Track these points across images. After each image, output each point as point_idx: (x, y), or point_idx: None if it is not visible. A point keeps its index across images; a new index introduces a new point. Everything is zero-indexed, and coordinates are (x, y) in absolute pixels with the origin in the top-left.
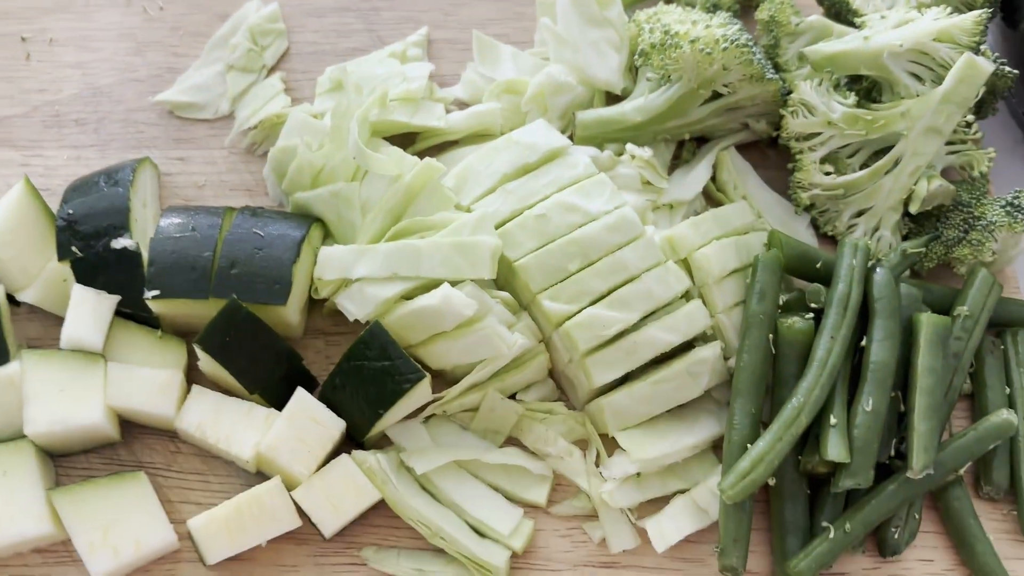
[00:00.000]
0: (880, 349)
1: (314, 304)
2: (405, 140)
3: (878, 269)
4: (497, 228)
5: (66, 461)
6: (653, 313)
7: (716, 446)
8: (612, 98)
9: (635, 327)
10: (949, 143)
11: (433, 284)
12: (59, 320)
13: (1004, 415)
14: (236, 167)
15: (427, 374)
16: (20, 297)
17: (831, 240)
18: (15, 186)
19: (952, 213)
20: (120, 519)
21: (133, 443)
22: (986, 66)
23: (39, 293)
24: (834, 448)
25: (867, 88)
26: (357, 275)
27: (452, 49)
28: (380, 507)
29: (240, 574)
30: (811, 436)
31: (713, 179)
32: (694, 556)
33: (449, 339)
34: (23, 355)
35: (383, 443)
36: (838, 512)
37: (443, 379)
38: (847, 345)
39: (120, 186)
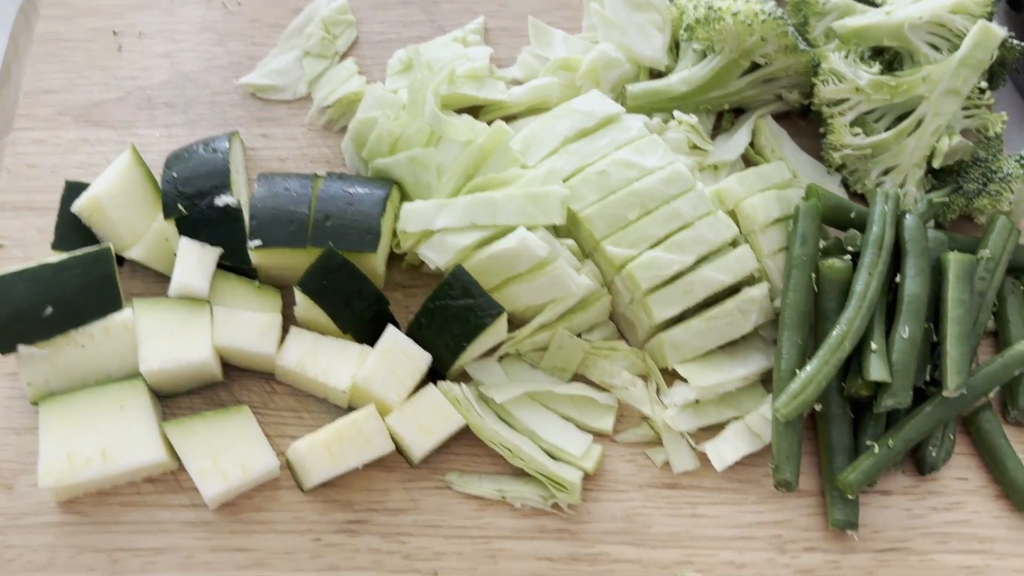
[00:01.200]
0: (913, 284)
1: (392, 261)
2: (471, 114)
3: (908, 215)
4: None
5: (171, 401)
6: (706, 257)
7: (764, 380)
8: (655, 76)
9: (690, 269)
10: (965, 108)
11: (506, 232)
12: (160, 277)
13: None
14: (315, 142)
15: (505, 309)
16: (127, 255)
17: (861, 199)
18: (123, 154)
19: (971, 168)
20: (227, 447)
21: (232, 385)
22: (998, 31)
23: (144, 251)
24: (876, 369)
25: (889, 60)
26: (438, 226)
27: (506, 36)
28: (461, 436)
29: (335, 499)
30: (853, 365)
31: (751, 144)
32: (749, 477)
33: (523, 281)
34: (135, 303)
35: (463, 381)
36: (880, 433)
37: (514, 323)
38: (883, 280)
39: (219, 152)
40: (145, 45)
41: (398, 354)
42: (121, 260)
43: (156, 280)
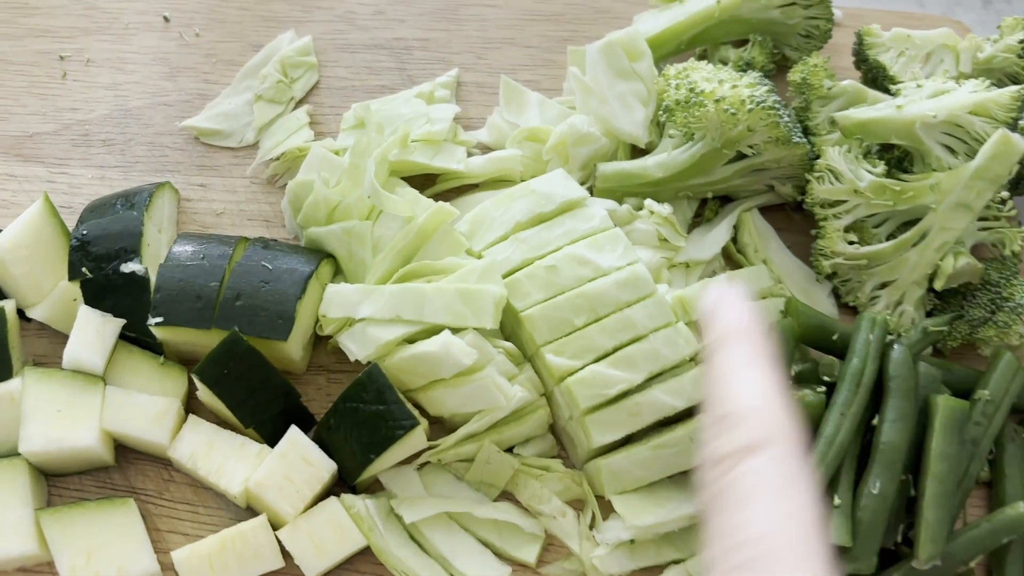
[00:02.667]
0: (892, 430)
1: (320, 340)
2: (426, 181)
3: (896, 346)
4: (506, 277)
5: (60, 481)
6: (659, 375)
7: None
8: (636, 151)
9: (639, 388)
10: (981, 219)
11: (436, 329)
12: (66, 338)
13: (1021, 508)
14: (256, 197)
15: (422, 422)
16: (30, 314)
17: (852, 310)
18: (34, 203)
19: (979, 292)
20: (105, 545)
21: (127, 468)
22: (1021, 143)
23: (49, 311)
24: (836, 531)
25: (898, 157)
26: (361, 315)
27: (481, 92)
28: (367, 554)
29: None
30: None
31: (734, 240)
32: None
33: (448, 387)
34: (26, 372)
35: (375, 487)
36: None
37: (441, 426)
38: (857, 423)
39: (135, 209)
40: (91, 74)
41: (298, 459)
42: (28, 318)
43: (64, 341)
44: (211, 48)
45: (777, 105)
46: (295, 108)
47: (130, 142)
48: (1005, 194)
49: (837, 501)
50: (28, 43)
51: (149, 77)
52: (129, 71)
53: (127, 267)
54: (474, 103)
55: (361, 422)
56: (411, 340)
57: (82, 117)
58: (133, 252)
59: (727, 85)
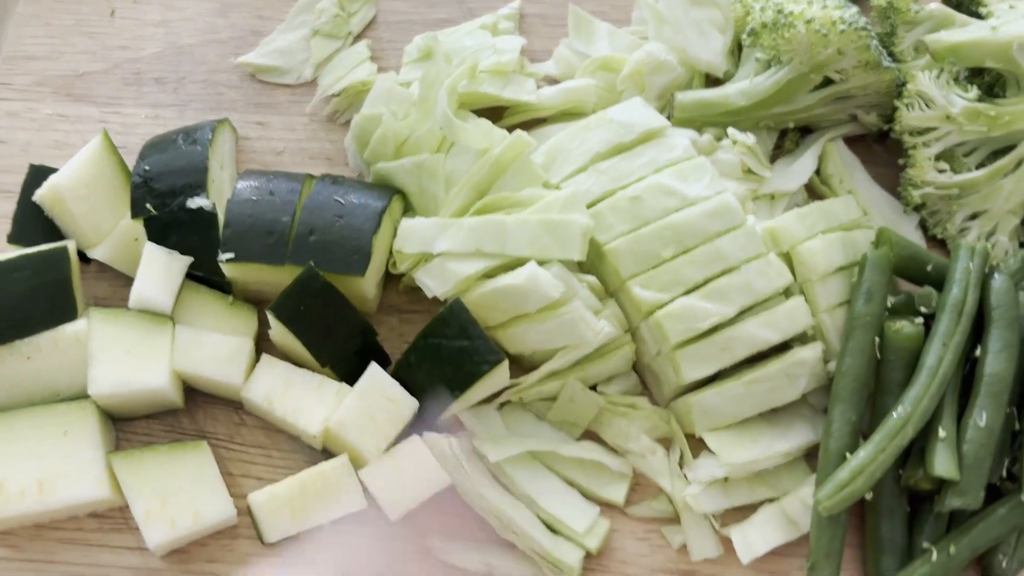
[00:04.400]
0: (996, 361)
1: (390, 280)
2: (493, 115)
3: (996, 275)
4: (587, 208)
5: (127, 425)
6: (751, 308)
7: (809, 455)
8: (711, 82)
9: (731, 322)
10: None
11: (518, 263)
12: (128, 280)
13: None
14: (317, 135)
15: (506, 358)
16: (91, 254)
17: (940, 243)
18: (92, 140)
19: None
20: (179, 489)
21: (196, 411)
22: None
23: (110, 251)
24: (942, 463)
25: (989, 83)
26: (439, 250)
27: (544, 24)
28: (449, 494)
29: (300, 555)
30: (915, 450)
31: (817, 172)
32: (780, 570)
33: (531, 322)
34: (91, 313)
35: (455, 428)
36: (940, 533)
37: (521, 365)
38: (960, 354)
39: (199, 145)
40: (140, 11)
41: (380, 398)
42: (88, 258)
43: (126, 283)
44: None
45: (867, 27)
46: (353, 43)
47: (183, 80)
48: None
49: (942, 434)
50: None
51: (200, 13)
52: (179, 8)
53: (193, 202)
54: (538, 35)
55: (444, 358)
56: (491, 275)
57: (133, 55)
58: (199, 187)
59: (816, 6)
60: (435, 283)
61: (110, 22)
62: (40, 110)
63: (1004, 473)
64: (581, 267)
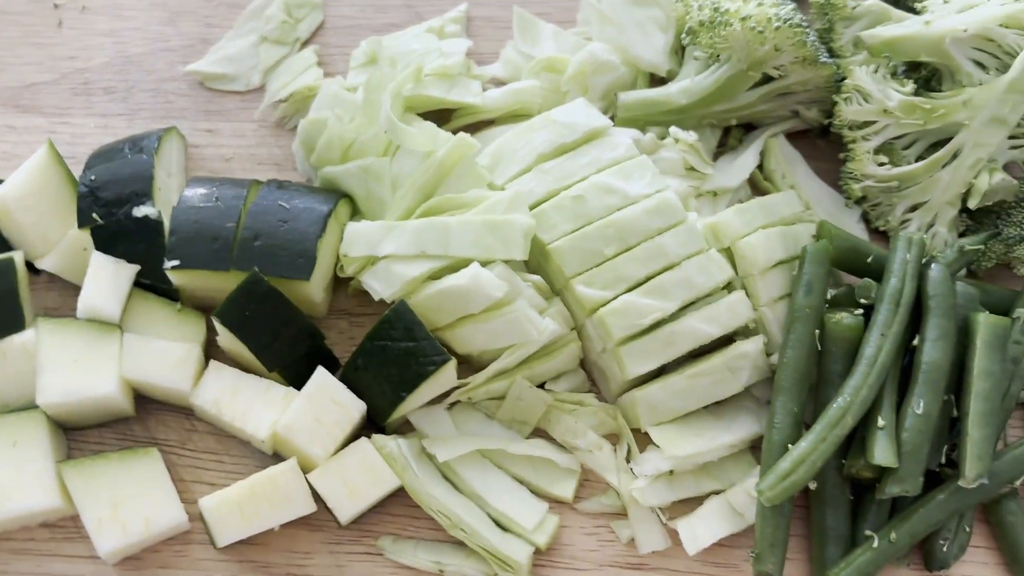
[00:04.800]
0: (933, 349)
1: (339, 283)
2: (440, 118)
3: (933, 265)
4: (531, 209)
5: (78, 435)
6: (693, 303)
7: (754, 446)
8: (655, 81)
9: (673, 317)
10: (1012, 137)
11: (462, 264)
12: (77, 290)
13: None
14: (265, 140)
15: (453, 357)
16: (39, 264)
17: (882, 235)
18: (38, 151)
19: (1014, 210)
20: (131, 496)
21: (148, 419)
22: None
23: (58, 261)
24: (881, 451)
25: (926, 77)
26: (384, 252)
27: (491, 27)
28: (398, 495)
29: (252, 558)
30: (856, 439)
31: (760, 167)
32: (727, 561)
33: (477, 322)
34: (38, 323)
35: (404, 429)
36: (882, 521)
37: (469, 365)
38: (898, 343)
39: (145, 153)
40: (88, 21)
41: (327, 401)
42: (38, 269)
43: (75, 292)
44: None
45: (803, 23)
46: (301, 49)
47: (132, 89)
48: None
49: (881, 422)
50: None
51: (148, 23)
52: (127, 17)
53: (139, 211)
54: (485, 38)
55: (390, 360)
56: (436, 277)
57: (81, 65)
58: (145, 195)
59: (752, 3)
60: (381, 285)
61: (57, 32)
62: None
63: (943, 459)
64: (527, 266)
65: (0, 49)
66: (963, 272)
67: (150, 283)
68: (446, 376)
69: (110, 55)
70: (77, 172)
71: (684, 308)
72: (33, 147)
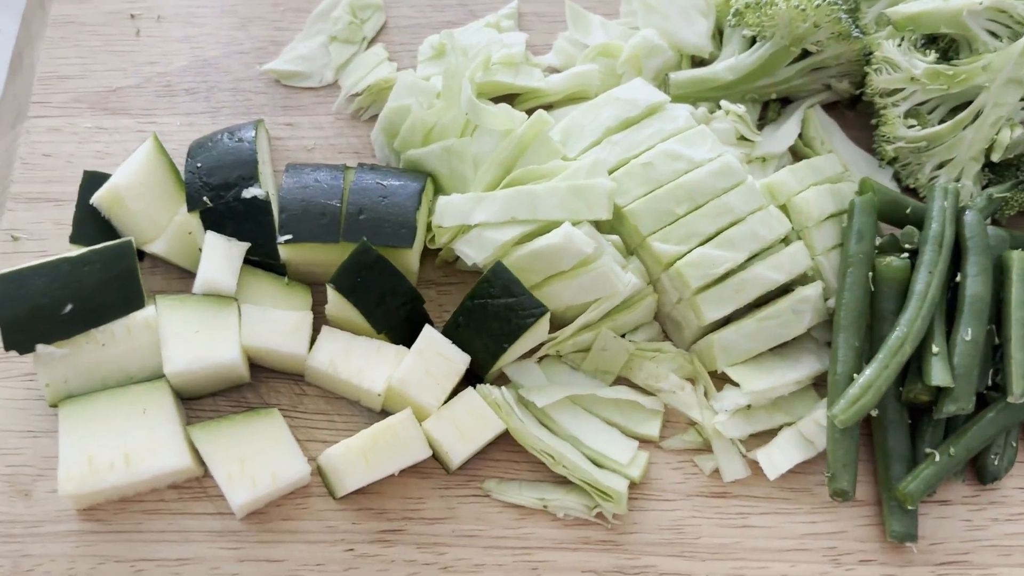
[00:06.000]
0: (975, 283)
1: (424, 257)
2: (506, 103)
3: (968, 211)
4: None
5: (195, 404)
6: (758, 254)
7: (817, 384)
8: (697, 64)
9: (742, 267)
10: None
11: (548, 227)
12: (181, 274)
13: None
14: (343, 131)
15: (548, 309)
16: (148, 249)
17: (913, 193)
18: (145, 143)
19: None
20: (256, 452)
21: (259, 386)
22: None
23: (166, 245)
24: (938, 374)
25: (944, 49)
26: (475, 221)
27: (541, 21)
28: (499, 443)
29: (368, 507)
30: (911, 369)
31: (800, 137)
32: (802, 486)
33: (566, 279)
34: (158, 300)
35: (499, 383)
36: (939, 440)
37: (554, 323)
38: (944, 280)
39: (245, 141)
40: (164, 29)
41: (435, 355)
42: (141, 255)
43: (179, 276)
44: None
45: (839, 1)
46: (368, 47)
47: (212, 89)
48: None
49: (935, 349)
50: (97, 4)
51: (221, 28)
52: (200, 24)
53: (248, 192)
54: (536, 31)
55: (491, 315)
56: (523, 241)
57: (162, 69)
58: (252, 178)
59: None
60: (474, 251)
61: (136, 40)
62: (80, 124)
63: (989, 383)
64: (602, 229)
65: (84, 58)
66: (989, 221)
67: (258, 260)
68: (541, 328)
69: (188, 59)
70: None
71: (751, 258)
72: (124, 146)
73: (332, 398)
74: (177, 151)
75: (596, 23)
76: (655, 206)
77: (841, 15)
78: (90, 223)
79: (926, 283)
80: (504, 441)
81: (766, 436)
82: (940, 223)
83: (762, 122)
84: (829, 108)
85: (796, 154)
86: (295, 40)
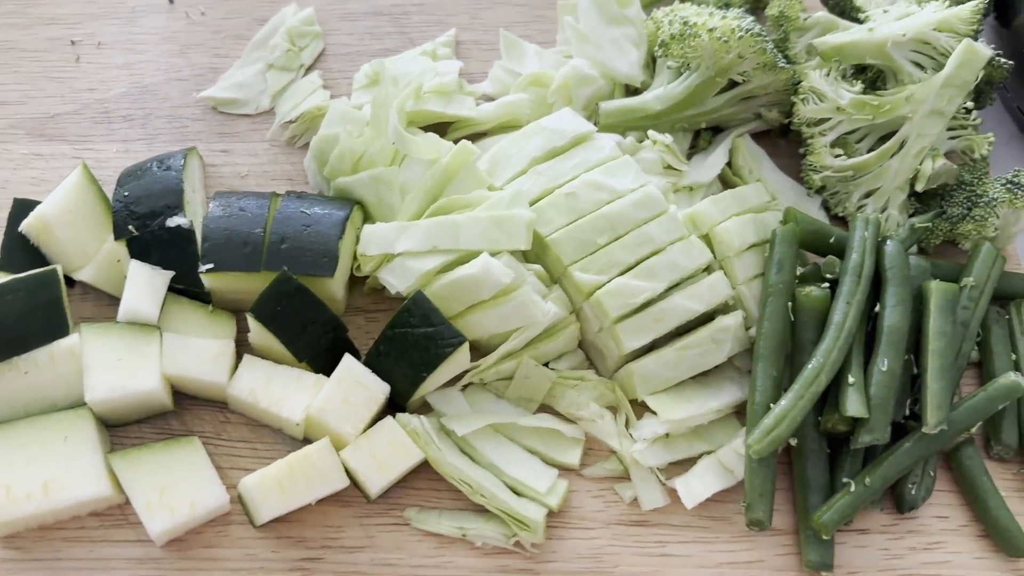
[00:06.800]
0: (893, 314)
1: (354, 284)
2: (437, 131)
3: (889, 241)
4: (529, 205)
5: (120, 431)
6: (678, 284)
7: (738, 412)
8: (631, 92)
9: (661, 296)
10: (950, 128)
11: (470, 257)
12: (111, 301)
13: (1012, 377)
14: (277, 158)
15: (467, 338)
16: (77, 276)
17: (842, 221)
18: (74, 171)
19: (955, 192)
20: (175, 481)
21: (183, 413)
22: (984, 50)
23: (95, 272)
24: (853, 404)
25: (872, 78)
26: (399, 250)
27: (478, 49)
28: (421, 471)
29: (288, 535)
30: (830, 398)
31: (729, 164)
32: (720, 514)
33: (486, 308)
34: (82, 328)
35: (423, 411)
36: (857, 470)
37: (478, 351)
38: (862, 310)
39: (172, 170)
40: (104, 56)
41: (354, 384)
42: (72, 281)
43: (108, 303)
44: (218, 25)
45: (763, 32)
46: (305, 74)
47: (149, 116)
48: (970, 104)
49: (851, 380)
50: (38, 31)
51: (161, 55)
52: (140, 51)
53: (172, 221)
54: (473, 59)
55: (410, 344)
56: (446, 270)
57: (100, 96)
58: (176, 207)
59: (717, 16)
60: (397, 280)
61: (75, 67)
62: (16, 150)
63: (907, 412)
64: (527, 258)
65: (23, 84)
66: (914, 250)
67: (183, 287)
68: (461, 357)
69: (126, 86)
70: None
71: (671, 288)
72: (60, 172)
73: (255, 425)
74: (112, 178)
75: (531, 52)
76: (577, 236)
77: (766, 46)
78: (20, 250)
79: (844, 313)
80: (426, 469)
81: (687, 464)
82: (860, 253)
83: (693, 150)
84: (761, 136)
85: (725, 182)
86: (233, 67)
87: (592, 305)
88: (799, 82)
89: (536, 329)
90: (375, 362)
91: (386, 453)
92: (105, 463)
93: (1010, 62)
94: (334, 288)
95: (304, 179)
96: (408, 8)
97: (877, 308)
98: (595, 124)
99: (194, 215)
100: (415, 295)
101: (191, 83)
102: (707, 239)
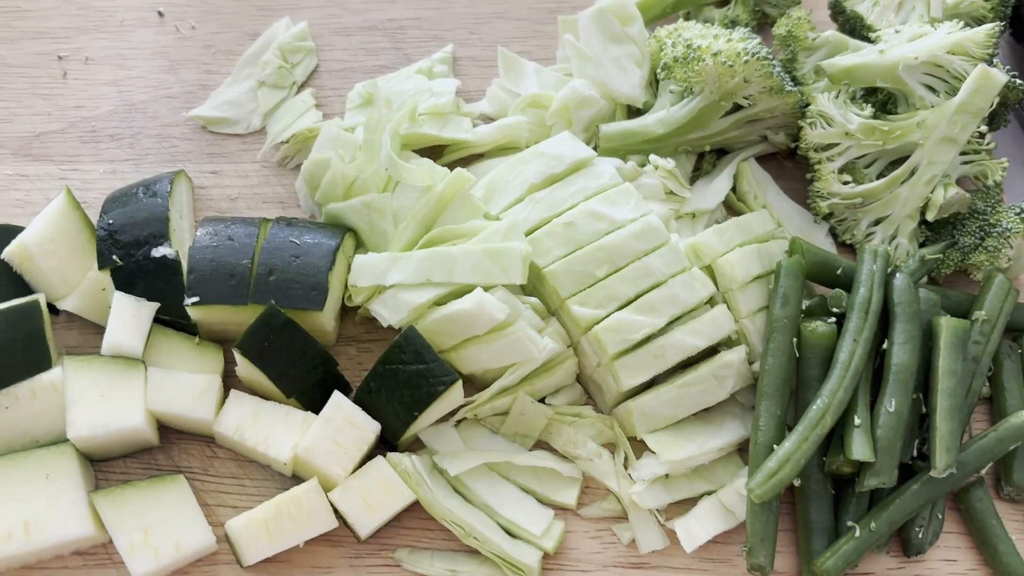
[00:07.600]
0: (901, 352)
1: (346, 312)
2: (433, 153)
3: (897, 274)
4: (526, 236)
5: (105, 466)
6: (679, 318)
7: (741, 449)
8: (633, 112)
9: (662, 331)
10: (963, 153)
11: (465, 290)
12: (97, 329)
13: (1023, 416)
14: (268, 180)
15: (460, 377)
16: (60, 306)
17: (849, 249)
18: (57, 197)
19: (968, 220)
20: (160, 520)
21: (171, 448)
22: (999, 76)
23: (79, 302)
24: (859, 448)
25: (882, 100)
26: (391, 282)
27: (476, 66)
28: (413, 510)
29: (277, 575)
30: (835, 438)
31: (733, 189)
32: (722, 556)
33: (481, 343)
34: (64, 361)
35: (415, 447)
36: (862, 512)
37: (473, 384)
38: (869, 348)
39: (158, 197)
40: (92, 72)
41: (344, 423)
42: (56, 309)
43: (94, 331)
44: (208, 39)
45: (769, 56)
46: (298, 92)
47: (138, 135)
48: (984, 128)
49: (857, 421)
50: (24, 46)
51: (150, 71)
52: (129, 67)
53: (157, 251)
54: (471, 76)
55: (402, 382)
56: (440, 303)
57: (87, 114)
58: (162, 237)
59: (722, 39)
60: (389, 313)
61: (63, 83)
62: (0, 171)
63: (915, 453)
64: (524, 290)
65: (8, 101)
66: (925, 279)
67: (169, 319)
68: (454, 395)
69: (115, 103)
70: (89, 216)
71: (671, 323)
72: (45, 194)
73: (244, 461)
74: (98, 200)
75: (530, 70)
76: (575, 268)
77: (773, 69)
78: (2, 277)
79: (850, 352)
80: (418, 508)
81: (688, 503)
82: (868, 288)
83: (697, 173)
84: (767, 158)
85: (731, 208)
86: (223, 84)
87: (590, 340)
88: (807, 105)
89: (532, 365)
90: (365, 399)
91: (376, 495)
92: (88, 502)
93: None
94: (324, 321)
95: (296, 202)
96: (404, 23)
97: (885, 345)
98: (595, 146)
99: (181, 242)
100: (407, 331)
101: (180, 100)
102: (709, 270)
